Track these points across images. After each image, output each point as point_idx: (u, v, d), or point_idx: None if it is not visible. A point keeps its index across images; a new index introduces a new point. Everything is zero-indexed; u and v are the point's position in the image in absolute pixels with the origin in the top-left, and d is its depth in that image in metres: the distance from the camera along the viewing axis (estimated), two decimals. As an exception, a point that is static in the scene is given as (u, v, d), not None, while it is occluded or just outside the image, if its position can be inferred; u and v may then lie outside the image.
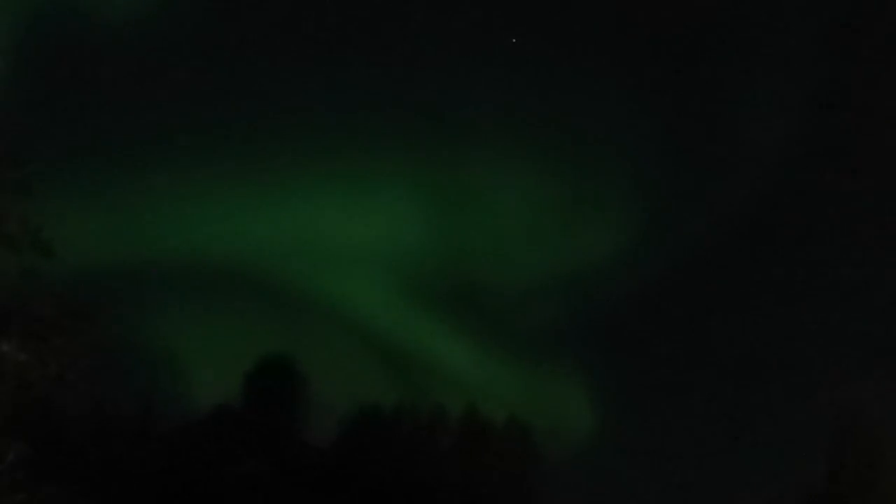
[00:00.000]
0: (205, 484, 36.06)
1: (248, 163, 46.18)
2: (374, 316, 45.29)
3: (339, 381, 40.95)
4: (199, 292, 43.12)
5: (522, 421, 40.04)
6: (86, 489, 25.74)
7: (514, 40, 48.04)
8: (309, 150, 46.39)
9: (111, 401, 34.77)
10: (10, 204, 21.37)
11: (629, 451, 41.14)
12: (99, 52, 44.86)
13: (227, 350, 41.12)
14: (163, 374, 39.32)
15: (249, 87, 47.06)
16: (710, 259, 46.38)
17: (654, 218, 48.35)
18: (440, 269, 46.66)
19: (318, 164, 45.94)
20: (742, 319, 44.89)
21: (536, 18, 49.27)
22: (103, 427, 34.38)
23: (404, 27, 48.07)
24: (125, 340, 33.68)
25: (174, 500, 34.72)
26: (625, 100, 48.25)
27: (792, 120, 49.27)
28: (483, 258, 47.55)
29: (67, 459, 27.21)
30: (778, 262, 46.04)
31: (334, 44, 48.58)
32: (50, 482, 20.96)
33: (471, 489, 38.66)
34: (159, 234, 43.87)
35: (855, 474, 35.66)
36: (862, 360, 39.54)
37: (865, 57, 48.54)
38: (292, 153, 46.20)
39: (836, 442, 36.46)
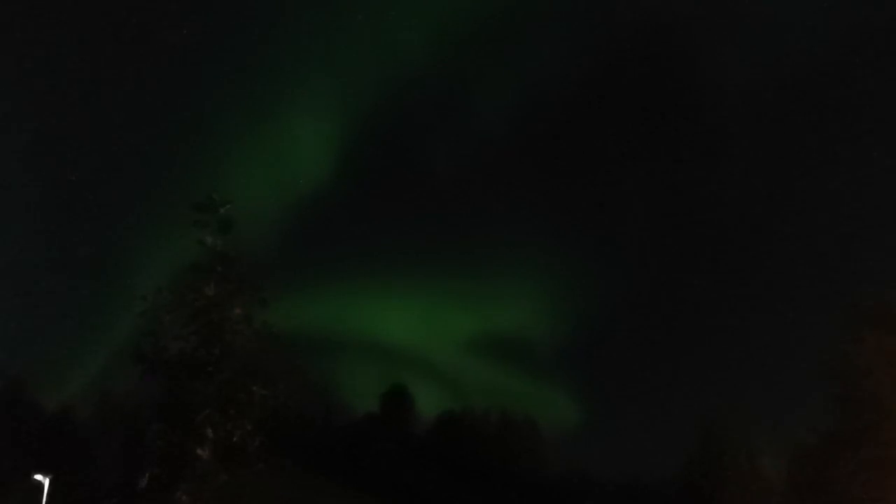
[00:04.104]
0: (359, 454, 64.76)
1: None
2: (451, 366, 75.40)
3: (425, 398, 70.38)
4: (351, 351, 73.80)
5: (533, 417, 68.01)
6: (294, 459, 44.53)
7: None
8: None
9: (310, 412, 63.94)
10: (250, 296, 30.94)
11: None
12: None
13: (368, 380, 71.60)
14: (336, 396, 69.89)
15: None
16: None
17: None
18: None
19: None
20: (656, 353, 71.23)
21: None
22: (305, 425, 63.52)
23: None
24: (321, 379, 63.32)
25: (343, 463, 63.51)
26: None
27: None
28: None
29: (288, 444, 35.95)
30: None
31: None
32: (278, 457, 31.07)
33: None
34: (333, 316, 74.78)
35: (709, 460, 55.40)
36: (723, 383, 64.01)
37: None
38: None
39: (698, 440, 57.03)
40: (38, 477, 44.37)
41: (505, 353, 77.36)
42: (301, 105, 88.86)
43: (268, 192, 79.85)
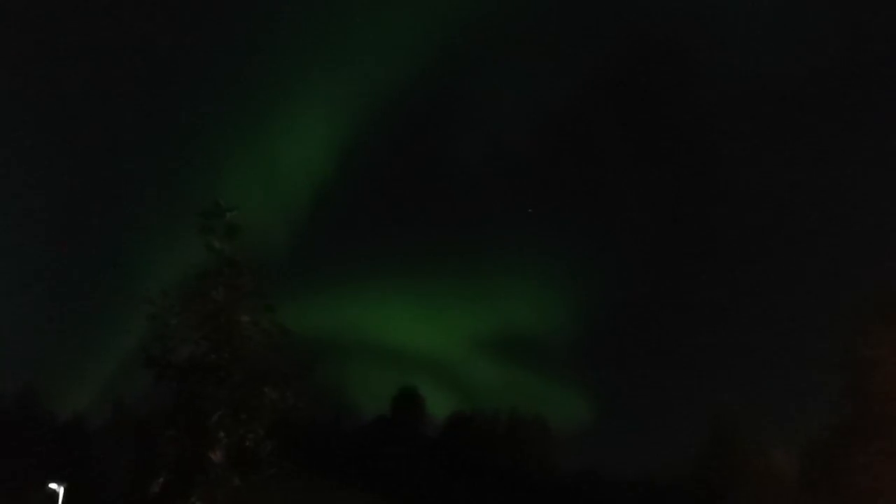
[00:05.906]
0: (371, 456, 65.53)
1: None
2: (461, 367, 75.40)
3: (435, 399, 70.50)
4: (361, 354, 73.92)
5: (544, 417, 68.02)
6: (306, 463, 41.99)
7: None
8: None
9: (321, 416, 64.34)
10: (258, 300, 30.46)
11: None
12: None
13: (378, 383, 71.68)
14: (346, 400, 70.00)
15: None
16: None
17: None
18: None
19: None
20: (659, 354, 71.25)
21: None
22: (316, 428, 64.05)
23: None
24: (332, 383, 63.56)
25: (355, 466, 64.35)
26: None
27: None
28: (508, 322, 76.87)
29: (299, 448, 34.12)
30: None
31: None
32: (289, 460, 30.74)
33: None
34: (343, 319, 74.85)
35: (720, 456, 56.25)
36: (732, 378, 63.86)
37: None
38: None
39: (709, 436, 58.04)
40: (53, 486, 44.85)
41: (514, 352, 77.37)
42: (306, 109, 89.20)
43: (275, 196, 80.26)
